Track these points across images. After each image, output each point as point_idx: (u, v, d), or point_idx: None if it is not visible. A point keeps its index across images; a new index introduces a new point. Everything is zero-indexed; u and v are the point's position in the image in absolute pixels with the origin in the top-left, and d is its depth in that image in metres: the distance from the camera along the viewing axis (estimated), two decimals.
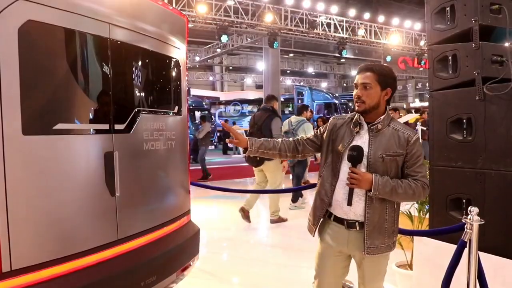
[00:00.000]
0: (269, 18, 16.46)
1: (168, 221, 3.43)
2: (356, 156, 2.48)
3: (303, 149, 2.81)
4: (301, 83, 37.84)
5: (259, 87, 36.43)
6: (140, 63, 3.21)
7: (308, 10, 17.71)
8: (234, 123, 19.59)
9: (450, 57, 3.67)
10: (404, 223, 4.70)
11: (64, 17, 2.49)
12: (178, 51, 3.63)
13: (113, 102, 2.86)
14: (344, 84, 44.49)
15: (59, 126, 2.48)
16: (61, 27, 2.48)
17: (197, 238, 3.79)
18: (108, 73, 2.82)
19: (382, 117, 2.56)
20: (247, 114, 29.35)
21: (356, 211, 2.56)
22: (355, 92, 2.58)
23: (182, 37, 3.70)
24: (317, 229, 2.75)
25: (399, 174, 2.57)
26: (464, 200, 3.54)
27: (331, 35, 18.86)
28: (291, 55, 35.80)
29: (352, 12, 18.93)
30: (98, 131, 2.77)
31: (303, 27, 17.91)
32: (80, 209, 2.62)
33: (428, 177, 2.73)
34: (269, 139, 2.84)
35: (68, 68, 2.60)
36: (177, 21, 3.67)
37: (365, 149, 2.53)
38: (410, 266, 4.34)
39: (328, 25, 18.63)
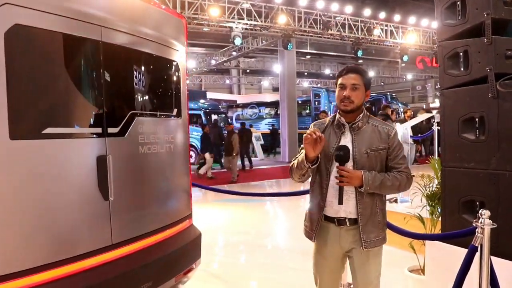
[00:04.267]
0: (282, 19, 16.33)
1: (166, 226, 3.38)
2: (343, 155, 2.58)
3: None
4: (318, 85, 37.60)
5: (276, 89, 36.30)
6: (135, 65, 3.17)
7: (322, 10, 17.54)
8: (251, 126, 19.48)
9: (461, 54, 3.54)
10: (416, 226, 4.58)
11: (53, 21, 2.46)
12: (176, 53, 3.58)
13: (106, 105, 2.82)
14: None
15: (49, 130, 2.46)
16: (50, 30, 2.45)
17: (198, 242, 3.73)
18: (101, 76, 2.79)
19: (361, 116, 2.70)
20: (264, 116, 29.24)
21: (346, 208, 2.66)
22: (341, 92, 2.67)
23: (181, 39, 3.65)
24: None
25: (383, 168, 2.70)
26: (477, 203, 3.40)
27: (346, 36, 18.65)
28: (308, 57, 35.62)
29: (367, 11, 18.66)
30: (90, 135, 2.74)
31: (317, 28, 17.74)
32: (71, 214, 2.59)
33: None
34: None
35: (58, 72, 2.57)
36: (174, 23, 3.63)
37: (350, 147, 2.63)
38: (423, 271, 4.19)
39: (343, 25, 18.43)
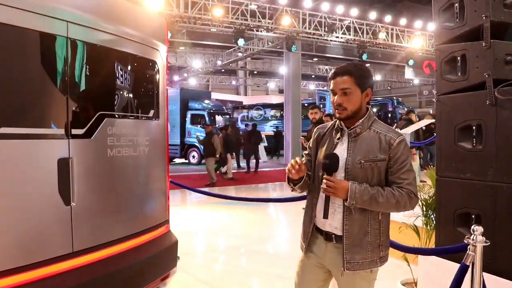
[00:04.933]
0: (286, 21, 16.18)
1: (137, 233, 3.23)
2: (328, 164, 2.28)
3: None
4: (325, 88, 37.42)
5: (282, 91, 36.27)
6: (105, 64, 3.03)
7: (327, 13, 17.38)
8: (255, 126, 19.31)
9: (458, 58, 3.39)
10: (411, 236, 4.40)
11: (14, 14, 2.31)
12: (153, 51, 3.43)
13: (70, 105, 2.67)
14: None
15: (3, 130, 2.32)
16: (8, 24, 2.29)
17: (173, 249, 3.59)
18: (65, 75, 2.64)
19: (361, 120, 2.34)
20: (269, 118, 29.09)
21: (332, 223, 2.36)
22: (332, 98, 2.36)
23: (159, 37, 3.51)
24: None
25: (382, 182, 2.32)
26: (473, 216, 3.24)
27: (351, 39, 18.45)
28: (315, 59, 35.47)
29: (372, 15, 18.46)
30: (50, 136, 2.58)
31: (322, 30, 17.56)
32: (28, 218, 2.45)
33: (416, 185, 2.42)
34: None
35: (15, 68, 2.42)
36: (151, 21, 3.49)
37: (344, 156, 2.33)
38: (416, 284, 4.00)
39: (348, 28, 18.26)
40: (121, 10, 3.16)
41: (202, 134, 21.09)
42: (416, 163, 9.78)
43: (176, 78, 33.98)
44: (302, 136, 10.96)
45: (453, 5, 3.40)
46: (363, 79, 2.32)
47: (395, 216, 6.09)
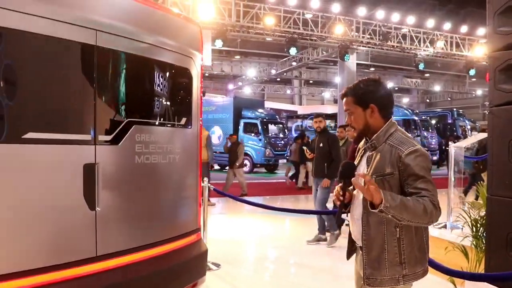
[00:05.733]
0: (339, 30, 15.97)
1: (163, 240, 3.21)
2: (342, 172, 2.32)
3: None
4: None
5: (336, 101, 35.87)
6: (136, 72, 3.06)
7: (381, 21, 16.99)
8: (303, 134, 19.04)
9: None
10: (458, 259, 4.13)
11: (43, 25, 2.38)
12: (186, 59, 3.42)
13: (98, 112, 2.70)
14: (428, 100, 42.41)
15: (30, 135, 2.38)
16: (33, 32, 2.36)
17: (203, 258, 3.54)
18: (93, 82, 2.68)
19: (376, 135, 2.37)
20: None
21: (355, 233, 2.43)
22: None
23: (193, 45, 3.50)
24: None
25: None
26: None
27: (407, 47, 17.93)
28: (372, 69, 34.84)
29: (430, 22, 17.85)
30: (76, 142, 2.62)
31: (376, 39, 17.19)
32: (51, 221, 2.50)
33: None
34: None
35: (43, 75, 2.48)
36: (185, 29, 3.47)
37: (365, 170, 2.35)
38: None
39: (404, 36, 17.75)
40: (153, 19, 3.18)
41: (255, 144, 21.28)
42: None
43: (231, 86, 34.41)
44: (303, 147, 10.54)
45: (511, 8, 3.17)
46: (363, 96, 2.35)
47: (448, 235, 5.78)
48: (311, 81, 38.47)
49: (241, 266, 5.95)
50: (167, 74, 3.34)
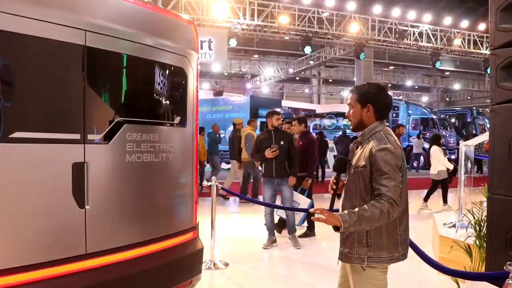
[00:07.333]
0: (354, 28, 15.86)
1: (155, 239, 3.22)
2: (336, 165, 2.74)
3: None
4: (400, 97, 36.21)
5: None
6: (128, 71, 3.08)
7: (397, 19, 16.81)
8: (321, 134, 18.95)
9: None
10: (462, 258, 4.09)
11: (32, 25, 2.42)
12: (181, 58, 3.43)
13: (87, 111, 2.72)
14: (447, 99, 41.82)
15: (17, 134, 2.41)
16: (20, 33, 2.40)
17: (198, 256, 3.54)
18: (82, 82, 2.71)
19: (363, 132, 2.69)
20: (342, 127, 28.64)
21: None
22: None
23: (187, 44, 3.51)
24: None
25: (367, 188, 2.53)
26: None
27: (423, 45, 17.71)
28: (391, 68, 34.49)
29: (447, 20, 17.58)
30: (64, 141, 2.65)
31: (392, 37, 17.02)
32: (40, 219, 2.53)
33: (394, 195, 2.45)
34: None
35: (31, 75, 2.51)
36: (178, 28, 3.49)
37: (352, 162, 2.68)
38: None
39: (420, 34, 17.54)
40: (144, 18, 3.19)
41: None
42: None
43: (249, 86, 34.45)
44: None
45: None
46: (364, 96, 2.66)
47: (455, 234, 5.71)
48: (330, 80, 38.26)
49: (249, 265, 5.94)
50: (160, 73, 3.35)
